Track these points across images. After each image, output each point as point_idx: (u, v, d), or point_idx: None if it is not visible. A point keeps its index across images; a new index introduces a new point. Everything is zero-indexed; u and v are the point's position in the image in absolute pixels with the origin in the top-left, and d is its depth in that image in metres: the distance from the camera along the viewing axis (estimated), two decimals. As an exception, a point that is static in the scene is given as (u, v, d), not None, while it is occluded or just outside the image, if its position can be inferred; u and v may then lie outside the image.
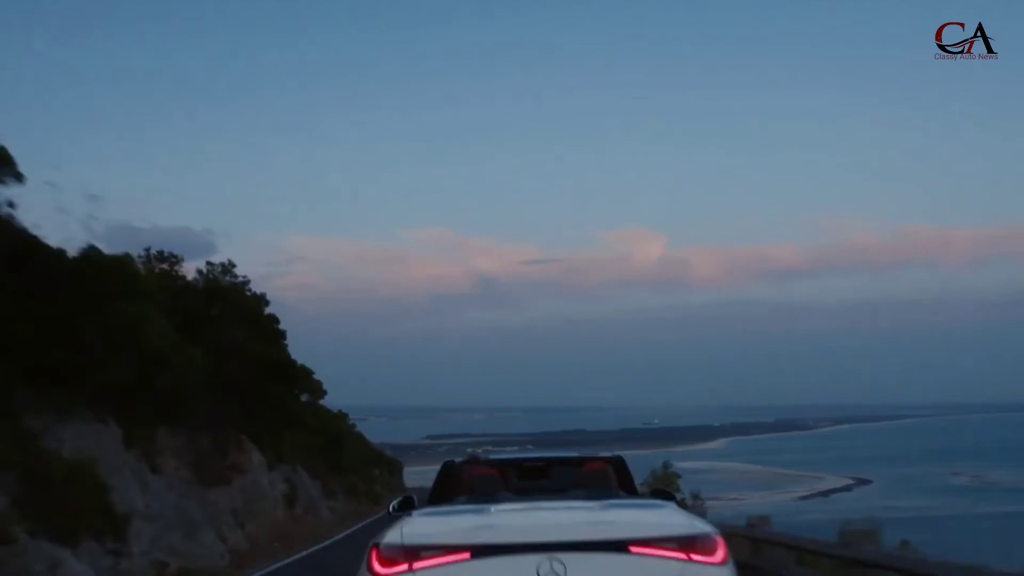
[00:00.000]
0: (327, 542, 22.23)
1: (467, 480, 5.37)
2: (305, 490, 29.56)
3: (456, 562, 3.71)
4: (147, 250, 25.11)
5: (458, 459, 5.93)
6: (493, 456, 6.29)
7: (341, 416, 53.60)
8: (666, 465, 28.70)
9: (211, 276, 27.66)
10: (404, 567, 3.75)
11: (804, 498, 71.06)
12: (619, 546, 3.76)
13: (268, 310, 29.93)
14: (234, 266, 28.49)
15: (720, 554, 3.91)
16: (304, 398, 42.54)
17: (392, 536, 3.95)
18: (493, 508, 4.32)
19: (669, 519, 4.20)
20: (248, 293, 28.93)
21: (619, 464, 5.85)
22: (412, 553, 3.77)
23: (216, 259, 28.45)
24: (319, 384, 43.97)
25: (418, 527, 4.25)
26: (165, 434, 17.77)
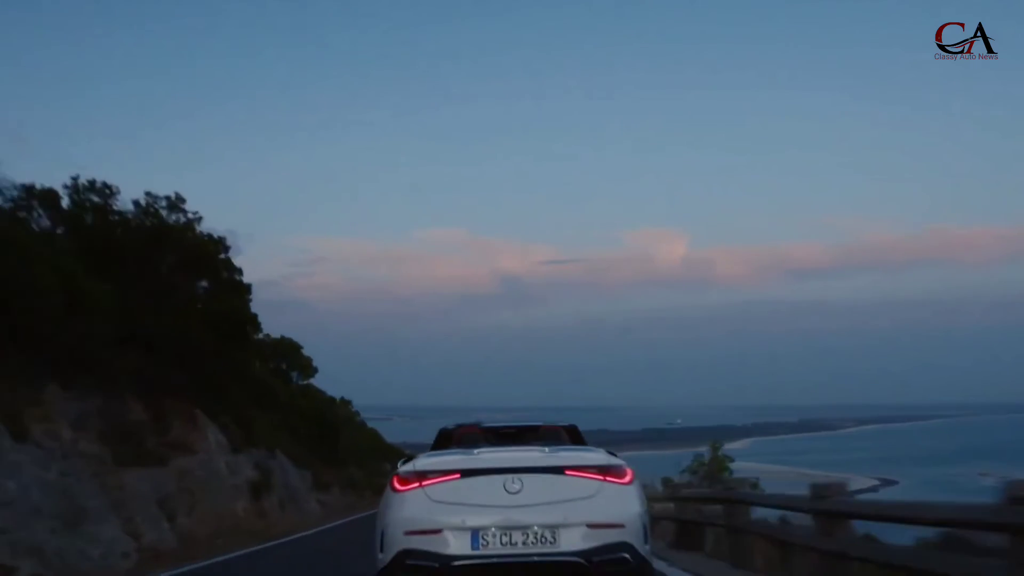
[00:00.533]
0: (287, 538, 17.68)
1: (456, 437, 7.46)
2: (284, 479, 25.74)
3: (450, 480, 5.75)
4: (75, 178, 20.91)
5: (454, 425, 7.93)
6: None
7: (343, 404, 48.98)
8: (716, 447, 25.62)
9: (152, 209, 22.26)
10: (416, 485, 5.78)
11: (828, 499, 70.44)
12: (558, 471, 5.79)
13: (256, 278, 25.64)
14: (183, 200, 23.11)
15: (628, 477, 5.89)
16: (295, 379, 38.09)
17: (407, 466, 6.03)
18: (475, 451, 6.15)
19: (594, 455, 6.17)
20: (202, 234, 23.77)
21: (572, 429, 7.73)
22: (421, 475, 5.82)
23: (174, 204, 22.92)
24: (308, 361, 39.00)
25: (424, 460, 6.15)
26: (59, 395, 13.86)
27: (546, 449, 6.23)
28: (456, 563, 5.51)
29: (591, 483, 5.77)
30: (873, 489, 76.53)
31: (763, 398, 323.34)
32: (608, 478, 5.82)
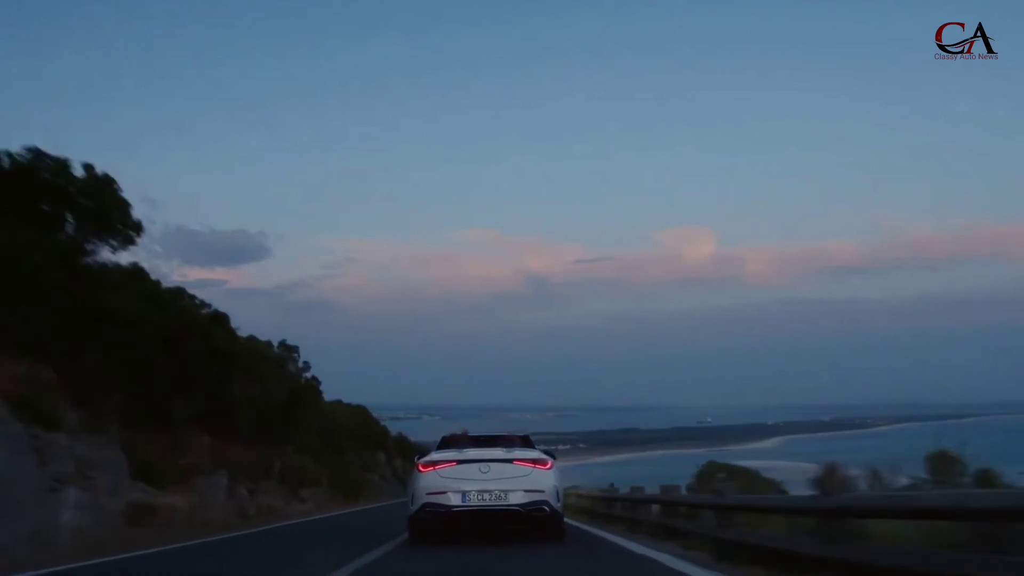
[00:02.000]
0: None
1: (453, 441, 11.91)
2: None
3: (450, 466, 10.16)
4: None
5: (450, 434, 12.70)
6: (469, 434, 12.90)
7: (311, 384, 38.75)
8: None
9: None
10: (432, 468, 10.22)
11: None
12: (509, 461, 10.22)
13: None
14: None
15: (548, 465, 10.35)
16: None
17: (426, 458, 10.56)
18: (464, 450, 10.73)
19: (531, 452, 10.70)
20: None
21: (525, 437, 12.00)
22: (434, 463, 10.30)
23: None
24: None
25: (435, 455, 10.68)
26: None
27: (504, 449, 10.76)
28: (454, 509, 9.93)
29: (527, 468, 10.20)
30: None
31: (795, 397, 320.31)
32: (536, 466, 10.29)
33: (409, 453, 57.58)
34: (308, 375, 39.58)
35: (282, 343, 37.80)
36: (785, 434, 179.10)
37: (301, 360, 39.26)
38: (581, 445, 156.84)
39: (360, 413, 51.44)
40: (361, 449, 45.90)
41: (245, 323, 29.21)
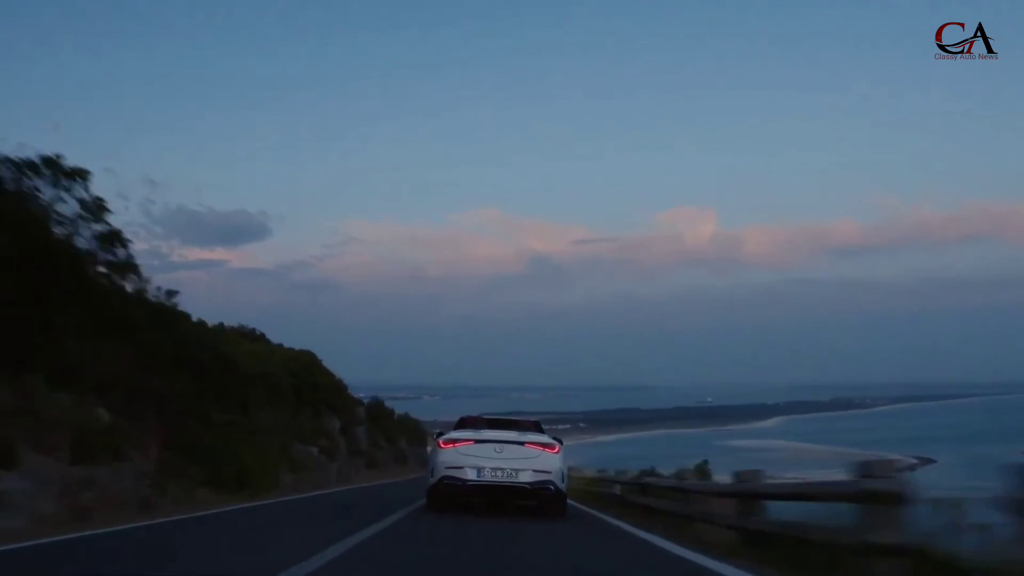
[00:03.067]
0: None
1: (469, 422, 12.68)
2: None
3: (468, 444, 11.12)
4: None
5: (467, 415, 13.43)
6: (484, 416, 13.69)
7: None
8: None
9: None
10: (452, 445, 11.19)
11: (864, 478, 69.18)
12: (521, 443, 11.08)
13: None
14: None
15: (556, 449, 11.25)
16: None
17: (447, 436, 11.57)
18: (481, 431, 11.67)
19: (541, 437, 11.56)
20: None
21: (536, 423, 13.09)
22: (454, 441, 11.29)
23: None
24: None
25: (454, 433, 11.61)
26: None
27: (517, 432, 11.63)
28: (469, 483, 10.91)
29: (537, 451, 11.10)
30: (911, 468, 75.30)
31: (794, 377, 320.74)
32: (545, 449, 11.16)
33: (391, 425, 48.86)
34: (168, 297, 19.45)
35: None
36: (785, 414, 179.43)
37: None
38: (582, 425, 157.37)
39: (304, 360, 33.16)
40: (298, 409, 29.71)
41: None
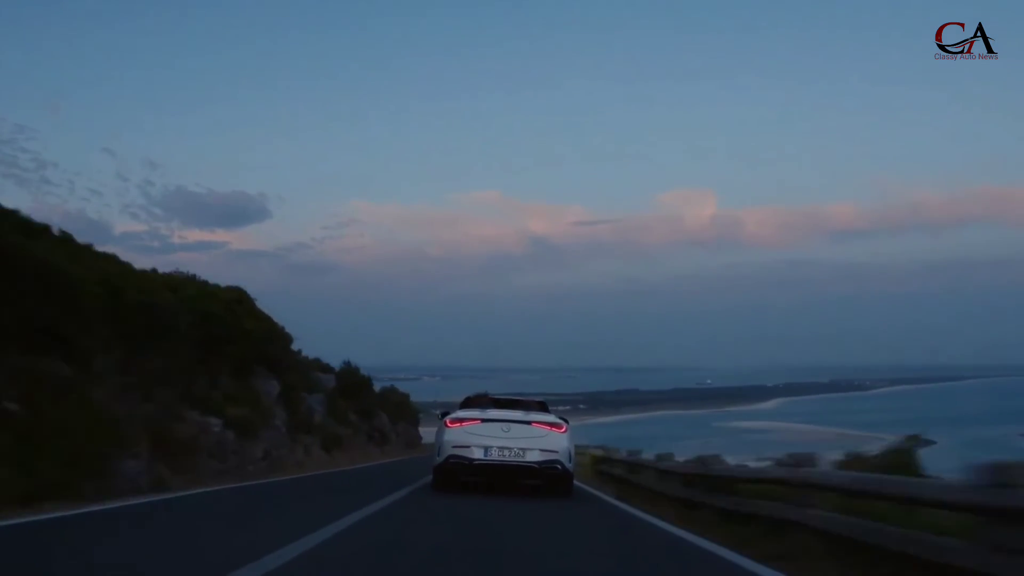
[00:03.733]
0: None
1: (475, 401, 12.77)
2: None
3: (475, 423, 11.21)
4: None
5: (473, 394, 13.61)
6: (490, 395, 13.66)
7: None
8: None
9: None
10: (458, 424, 11.25)
11: (863, 459, 69.21)
12: (528, 423, 11.20)
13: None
14: None
15: (563, 429, 11.30)
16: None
17: (453, 415, 11.58)
18: (487, 410, 11.76)
19: (548, 416, 11.68)
20: None
21: (542, 403, 12.86)
22: (461, 420, 11.36)
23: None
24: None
25: (461, 412, 11.66)
26: None
27: (523, 412, 11.71)
28: (476, 462, 10.89)
29: (544, 430, 11.12)
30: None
31: (793, 359, 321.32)
32: (553, 428, 11.19)
33: (369, 398, 37.85)
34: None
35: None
36: (785, 396, 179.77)
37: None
38: (581, 406, 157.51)
39: (225, 297, 21.75)
40: (204, 363, 19.54)
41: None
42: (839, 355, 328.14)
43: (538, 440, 10.97)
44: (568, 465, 11.22)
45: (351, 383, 37.09)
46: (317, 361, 35.13)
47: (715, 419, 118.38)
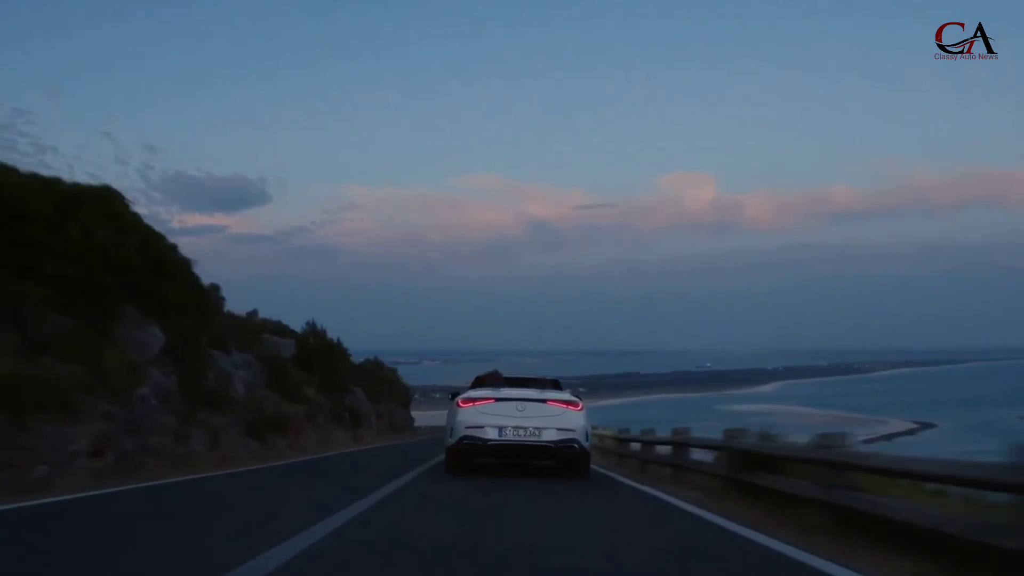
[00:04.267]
0: None
1: (488, 380, 12.47)
2: None
3: (488, 403, 10.79)
4: None
5: (485, 373, 13.18)
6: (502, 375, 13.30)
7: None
8: None
9: None
10: (471, 404, 10.84)
11: (867, 442, 69.27)
12: (544, 401, 10.80)
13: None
14: None
15: (579, 407, 10.93)
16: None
17: (465, 394, 11.18)
18: (501, 389, 11.43)
19: (563, 394, 11.35)
20: None
21: (555, 381, 13.00)
22: (474, 399, 10.93)
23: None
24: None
25: (474, 392, 11.34)
26: None
27: (538, 390, 11.52)
28: (490, 443, 10.63)
29: (560, 408, 10.84)
30: (911, 432, 75.51)
31: (793, 342, 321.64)
32: (568, 407, 10.91)
33: (336, 367, 30.66)
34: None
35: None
36: (784, 379, 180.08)
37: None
38: (581, 389, 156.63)
39: (81, 195, 12.71)
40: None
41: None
42: (839, 338, 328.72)
43: (554, 419, 10.70)
44: (585, 444, 10.94)
45: (315, 350, 29.85)
46: (277, 323, 29.76)
47: (715, 402, 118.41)
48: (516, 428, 10.61)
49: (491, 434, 10.63)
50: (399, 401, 47.02)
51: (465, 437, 10.77)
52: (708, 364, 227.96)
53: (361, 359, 41.95)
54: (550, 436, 10.61)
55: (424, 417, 59.04)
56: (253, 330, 24.80)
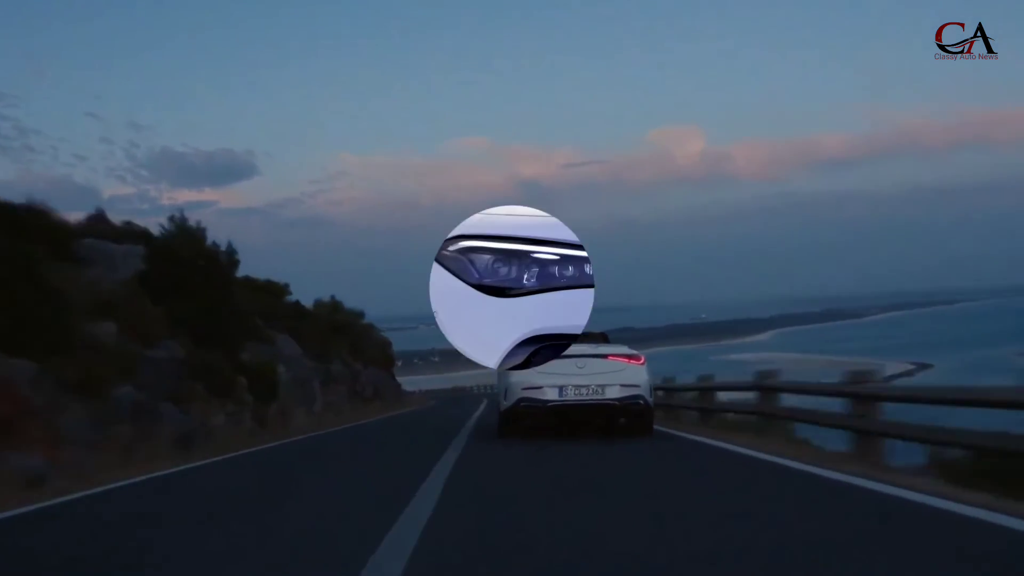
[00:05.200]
0: None
1: None
2: None
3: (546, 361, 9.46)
4: None
5: None
6: None
7: None
8: None
9: None
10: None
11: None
12: (604, 356, 10.28)
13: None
14: None
15: (641, 361, 10.43)
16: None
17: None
18: None
19: (622, 348, 10.79)
20: None
21: (603, 334, 11.94)
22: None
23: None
24: None
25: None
26: None
27: (592, 345, 10.63)
28: (549, 404, 10.02)
29: (622, 363, 10.33)
30: (908, 373, 75.63)
31: (786, 289, 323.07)
32: (631, 361, 10.43)
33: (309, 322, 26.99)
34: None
35: None
36: (779, 327, 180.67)
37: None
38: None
39: None
40: None
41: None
42: (832, 284, 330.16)
43: (617, 375, 10.14)
44: (649, 399, 10.45)
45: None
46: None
47: (712, 353, 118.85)
48: (577, 387, 10.02)
49: (551, 394, 10.01)
50: (381, 365, 35.71)
51: (523, 399, 10.15)
52: (704, 315, 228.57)
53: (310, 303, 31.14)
54: (614, 393, 10.07)
55: (410, 382, 58.05)
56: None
